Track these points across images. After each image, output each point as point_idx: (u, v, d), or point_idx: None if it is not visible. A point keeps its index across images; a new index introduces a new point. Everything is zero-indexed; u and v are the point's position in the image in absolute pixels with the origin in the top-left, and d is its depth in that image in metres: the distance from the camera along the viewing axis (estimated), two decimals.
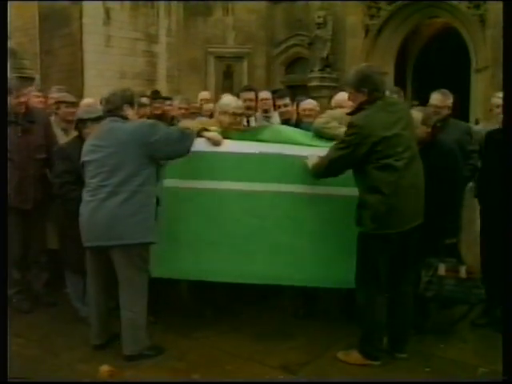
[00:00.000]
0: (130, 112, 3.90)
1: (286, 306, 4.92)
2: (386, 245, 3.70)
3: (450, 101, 4.83)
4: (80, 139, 4.39)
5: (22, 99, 4.74)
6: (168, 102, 6.51)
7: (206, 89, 13.25)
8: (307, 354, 4.00)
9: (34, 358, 3.90)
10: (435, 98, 4.82)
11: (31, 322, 4.57)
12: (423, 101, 5.02)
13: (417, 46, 15.47)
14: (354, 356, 3.85)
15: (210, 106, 6.01)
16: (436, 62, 15.67)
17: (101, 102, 6.00)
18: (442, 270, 4.06)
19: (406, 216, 3.68)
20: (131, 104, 3.93)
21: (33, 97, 5.80)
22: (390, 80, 13.24)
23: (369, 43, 13.44)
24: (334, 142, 3.82)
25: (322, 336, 4.30)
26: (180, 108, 6.29)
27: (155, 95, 7.30)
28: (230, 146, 4.20)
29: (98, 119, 4.39)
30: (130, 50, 13.81)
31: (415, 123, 4.03)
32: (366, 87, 3.67)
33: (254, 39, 15.07)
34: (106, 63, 13.11)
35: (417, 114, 4.13)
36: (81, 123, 4.45)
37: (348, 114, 3.84)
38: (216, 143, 4.17)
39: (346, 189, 3.95)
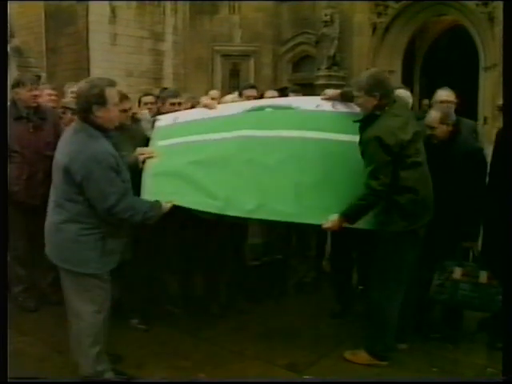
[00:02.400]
0: (100, 113, 3.22)
1: (293, 305, 4.93)
2: (415, 240, 3.74)
3: (454, 97, 4.80)
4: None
5: (35, 93, 4.78)
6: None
7: (212, 87, 13.28)
8: (314, 353, 3.99)
9: (40, 356, 3.91)
10: (442, 93, 4.78)
11: (37, 320, 4.58)
12: (429, 100, 4.99)
13: (424, 44, 15.43)
14: (362, 356, 3.85)
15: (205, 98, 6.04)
16: (444, 60, 15.62)
17: None
18: (457, 273, 3.96)
19: (430, 207, 3.77)
20: (101, 103, 3.21)
21: (46, 94, 5.84)
22: (397, 78, 13.21)
23: (376, 41, 13.42)
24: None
25: (328, 335, 4.31)
26: (185, 108, 6.24)
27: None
28: (224, 109, 4.29)
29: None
30: (135, 48, 13.84)
31: (434, 122, 4.05)
32: (378, 92, 3.69)
33: (261, 37, 15.07)
34: (112, 61, 13.15)
35: (435, 112, 4.11)
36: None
37: (358, 121, 3.85)
38: (210, 108, 4.24)
39: (347, 135, 3.96)
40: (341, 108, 4.23)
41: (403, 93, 4.38)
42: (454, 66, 14.83)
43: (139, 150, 3.86)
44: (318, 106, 4.30)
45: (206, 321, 4.52)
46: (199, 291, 4.86)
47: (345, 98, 4.18)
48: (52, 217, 3.30)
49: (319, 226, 3.76)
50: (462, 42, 13.74)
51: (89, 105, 3.20)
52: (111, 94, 3.27)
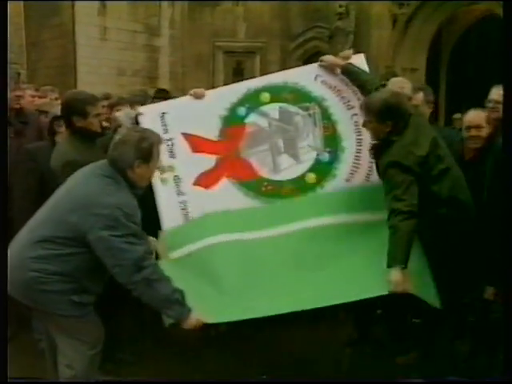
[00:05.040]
0: (140, 170, 3.23)
1: (303, 331, 4.90)
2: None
3: None
4: (53, 145, 4.35)
5: (18, 93, 4.81)
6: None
7: (213, 87, 13.28)
8: None
9: None
10: (496, 92, 4.67)
11: (15, 349, 4.51)
12: (458, 102, 4.96)
13: (452, 37, 15.37)
14: None
15: None
16: (475, 55, 15.57)
17: None
18: (489, 292, 3.89)
19: (472, 209, 3.87)
20: (146, 160, 3.23)
21: (28, 96, 5.86)
22: (420, 77, 13.20)
23: (397, 35, 13.40)
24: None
25: (344, 365, 4.30)
26: None
27: (160, 94, 7.22)
28: (213, 97, 4.38)
29: None
30: (128, 43, 13.92)
31: (483, 122, 4.10)
32: (391, 120, 3.71)
33: (268, 32, 15.14)
34: (102, 58, 13.22)
35: (482, 112, 4.17)
36: (56, 122, 4.40)
37: (372, 148, 3.89)
38: (198, 96, 4.32)
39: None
40: (339, 84, 4.33)
41: (400, 81, 4.39)
42: (487, 62, 14.79)
43: None
44: (317, 76, 4.36)
45: (204, 348, 4.51)
46: None
47: (346, 73, 4.27)
48: (26, 252, 3.14)
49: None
50: (496, 34, 13.70)
51: (133, 158, 3.19)
52: (157, 152, 3.32)
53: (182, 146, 4.25)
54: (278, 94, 4.37)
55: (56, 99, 6.55)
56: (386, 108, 3.70)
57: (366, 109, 3.79)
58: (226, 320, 3.61)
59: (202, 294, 3.63)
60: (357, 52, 4.63)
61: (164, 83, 14.08)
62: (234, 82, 14.53)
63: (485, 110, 4.20)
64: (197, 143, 4.28)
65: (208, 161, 4.28)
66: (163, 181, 4.20)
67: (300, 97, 4.36)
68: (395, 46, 13.40)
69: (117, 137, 3.31)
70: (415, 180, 3.60)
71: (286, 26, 15.31)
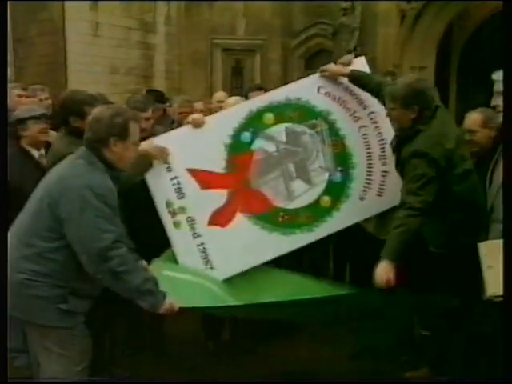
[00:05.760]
0: (117, 148, 3.27)
1: (305, 343, 4.90)
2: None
3: None
4: (19, 151, 4.38)
5: None
6: None
7: (211, 87, 13.32)
8: None
9: None
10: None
11: None
12: (468, 101, 4.98)
13: (464, 34, 15.37)
14: None
15: (200, 104, 6.11)
16: (488, 53, 15.54)
17: None
18: None
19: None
20: (122, 137, 3.28)
21: (14, 95, 5.83)
22: (429, 76, 13.19)
23: (405, 32, 13.38)
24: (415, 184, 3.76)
25: (348, 379, 4.27)
26: (180, 113, 6.11)
27: (151, 96, 7.08)
28: (213, 123, 4.30)
29: (41, 117, 4.44)
30: (122, 40, 13.86)
31: (475, 126, 4.14)
32: (418, 104, 3.74)
33: (268, 29, 15.11)
34: (94, 56, 13.15)
35: (476, 115, 4.20)
36: (20, 125, 4.40)
37: (396, 138, 3.93)
38: (197, 125, 4.21)
39: None
40: (344, 95, 4.33)
41: None
42: (501, 61, 14.76)
43: None
44: (319, 88, 4.33)
45: (204, 362, 4.50)
46: (196, 327, 4.84)
47: (353, 79, 4.24)
48: (15, 252, 3.17)
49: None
50: None
51: (107, 135, 3.23)
52: (135, 129, 3.34)
53: (190, 183, 4.17)
54: (281, 113, 4.31)
55: (46, 99, 6.54)
56: (412, 92, 3.75)
57: (390, 95, 3.81)
58: (199, 305, 3.64)
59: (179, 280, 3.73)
60: (362, 50, 4.64)
61: (159, 82, 14.06)
62: (233, 81, 14.76)
63: (482, 113, 4.22)
64: (205, 179, 4.20)
65: (219, 196, 4.22)
66: (176, 225, 4.13)
67: (305, 114, 4.32)
68: (402, 43, 13.37)
69: (90, 116, 3.36)
70: (437, 178, 3.59)
71: (288, 23, 15.28)
